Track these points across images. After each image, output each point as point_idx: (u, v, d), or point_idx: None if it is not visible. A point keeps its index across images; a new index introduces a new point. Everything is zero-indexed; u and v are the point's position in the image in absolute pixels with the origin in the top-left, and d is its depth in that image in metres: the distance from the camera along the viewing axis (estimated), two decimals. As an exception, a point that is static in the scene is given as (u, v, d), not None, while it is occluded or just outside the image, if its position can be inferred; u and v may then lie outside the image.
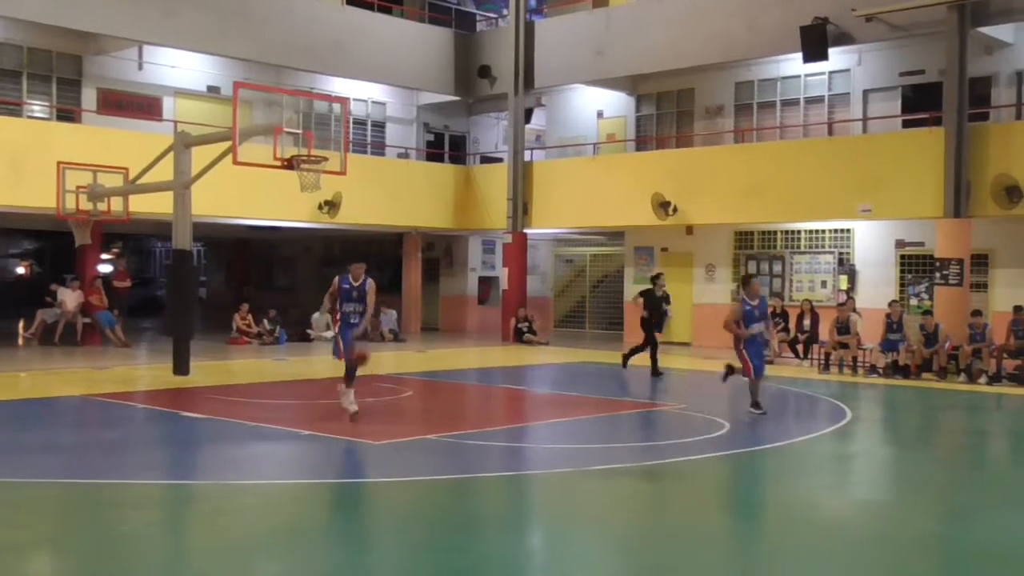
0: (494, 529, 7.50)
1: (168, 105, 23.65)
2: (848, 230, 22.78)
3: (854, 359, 19.20)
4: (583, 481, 9.03)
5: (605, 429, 12.43)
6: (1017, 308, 18.45)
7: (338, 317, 12.05)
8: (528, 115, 27.85)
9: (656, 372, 17.85)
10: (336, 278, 12.00)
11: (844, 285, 22.55)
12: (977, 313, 18.46)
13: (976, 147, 19.28)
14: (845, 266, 22.74)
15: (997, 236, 20.19)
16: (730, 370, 13.51)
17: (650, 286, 18.61)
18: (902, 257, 22.04)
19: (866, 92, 22.55)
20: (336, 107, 22.67)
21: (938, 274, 19.44)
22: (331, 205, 23.91)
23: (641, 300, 18.40)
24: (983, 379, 17.73)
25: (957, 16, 19.23)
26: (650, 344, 18.07)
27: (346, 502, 8.31)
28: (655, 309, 18.17)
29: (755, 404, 12.89)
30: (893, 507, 8.52)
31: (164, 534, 7.31)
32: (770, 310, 22.08)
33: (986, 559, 6.72)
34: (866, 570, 6.57)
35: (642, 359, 18.18)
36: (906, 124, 21.82)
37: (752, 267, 24.41)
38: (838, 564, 6.62)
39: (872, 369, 18.88)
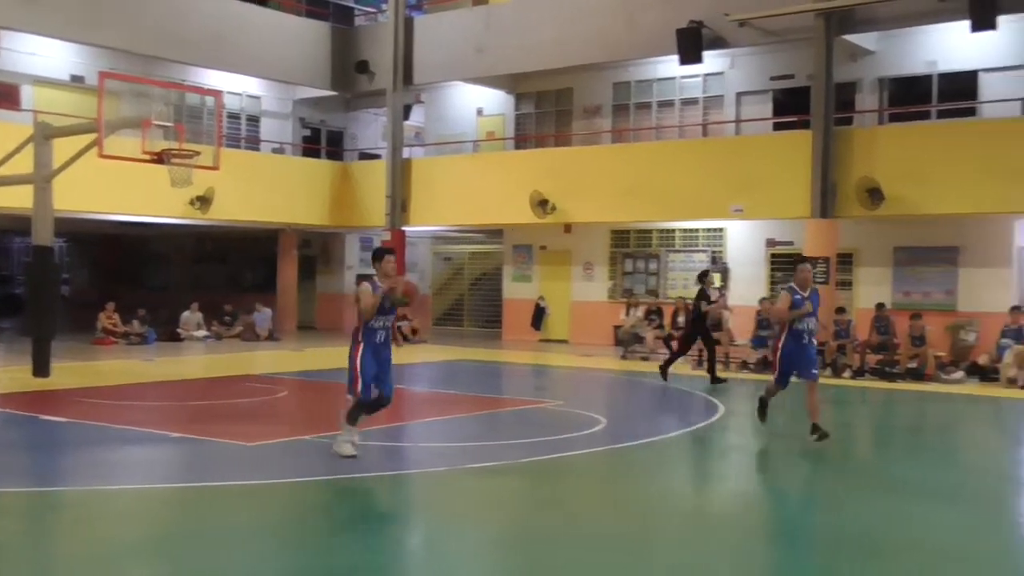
0: (372, 529, 7.37)
1: (27, 94, 22.63)
2: (721, 229, 23.31)
3: (726, 355, 19.64)
4: (461, 479, 8.97)
5: (483, 427, 12.38)
6: (879, 305, 19.20)
7: (360, 339, 9.24)
8: (407, 112, 27.64)
9: (715, 379, 16.68)
10: (365, 283, 9.27)
11: (717, 283, 23.03)
12: (841, 310, 19.10)
13: (841, 150, 19.94)
14: (718, 264, 23.25)
15: (861, 236, 20.92)
16: (763, 404, 11.72)
17: (700, 285, 17.29)
18: (772, 256, 22.65)
19: (739, 95, 23.10)
20: (209, 100, 22.08)
21: (806, 273, 19.98)
22: (203, 201, 23.26)
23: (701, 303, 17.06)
24: (848, 373, 18.36)
25: (824, 24, 19.86)
26: (709, 348, 17.26)
27: (219, 506, 8.05)
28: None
29: (762, 407, 11.67)
30: (764, 498, 8.70)
31: (27, 545, 6.93)
32: (644, 309, 22.81)
33: (854, 546, 6.90)
34: (744, 560, 6.67)
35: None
36: (777, 127, 22.43)
37: (628, 265, 24.78)
38: (716, 555, 6.71)
39: (744, 365, 19.36)
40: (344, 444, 9.35)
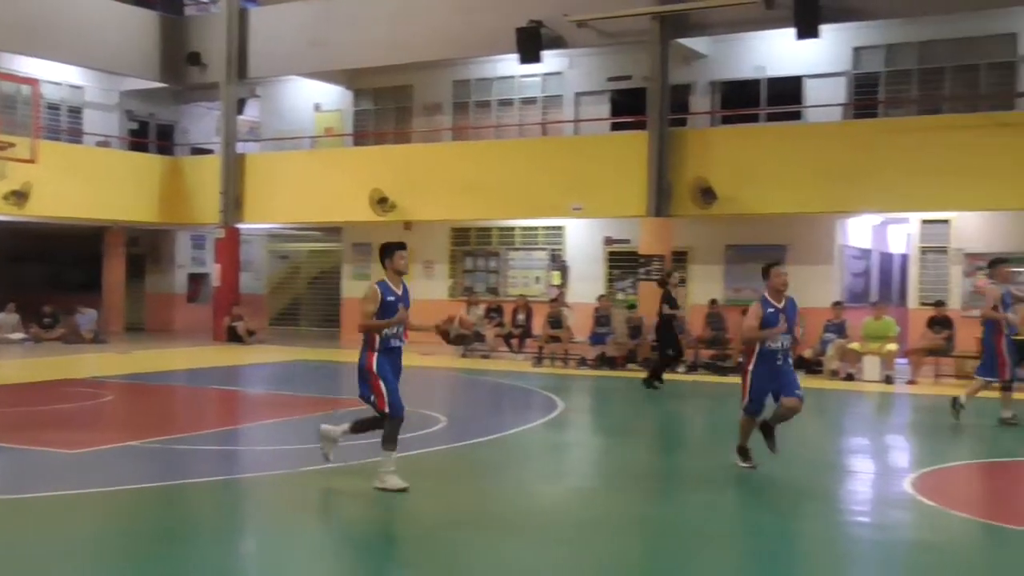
0: (204, 536, 7.01)
1: None
2: (561, 227, 23.54)
3: (566, 352, 19.84)
4: (297, 482, 8.67)
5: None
6: (712, 301, 19.75)
7: (375, 347, 8.06)
8: (241, 106, 26.82)
9: (651, 383, 16.33)
10: (376, 285, 8.13)
11: (556, 281, 23.27)
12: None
13: (676, 151, 20.42)
14: (557, 262, 23.47)
15: (694, 234, 21.47)
16: (744, 451, 9.33)
17: (664, 286, 16.82)
18: (610, 254, 23.00)
19: (578, 95, 23.36)
20: (25, 89, 20.84)
21: (642, 270, 20.43)
22: (19, 195, 21.92)
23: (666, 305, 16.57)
24: (682, 368, 18.75)
25: (659, 27, 20.28)
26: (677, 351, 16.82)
27: (37, 519, 7.50)
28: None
29: (742, 450, 9.32)
30: (604, 492, 8.76)
31: None
32: (485, 307, 22.83)
33: (692, 536, 7.00)
34: (583, 554, 6.67)
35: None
36: (614, 127, 22.79)
37: (469, 263, 24.74)
38: (557, 550, 6.68)
39: (582, 361, 19.59)
40: (389, 476, 7.98)
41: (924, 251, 20.23)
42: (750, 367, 8.95)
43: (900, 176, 18.46)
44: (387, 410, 7.96)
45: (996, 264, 12.81)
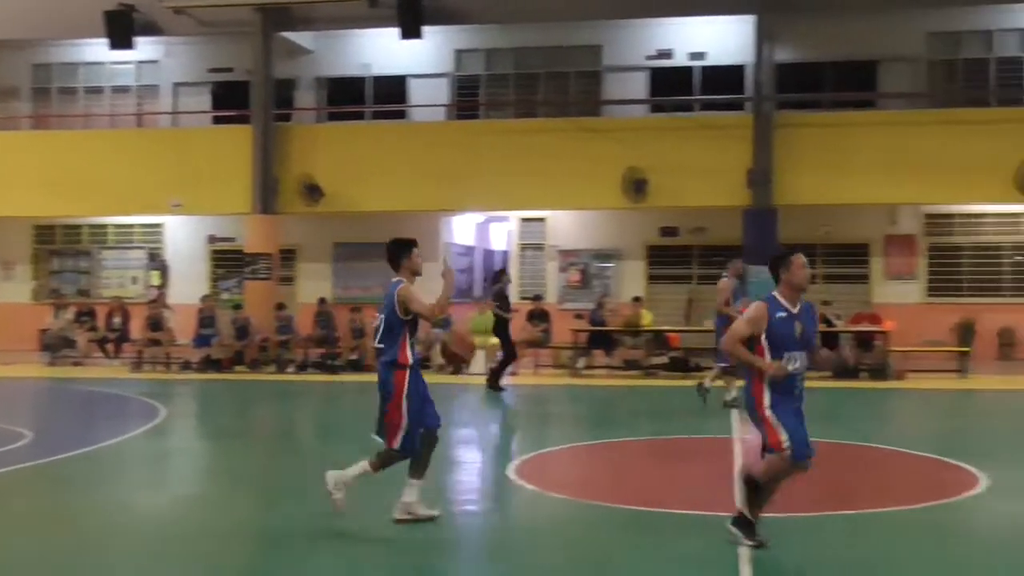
0: None
1: None
2: (160, 225, 22.25)
3: (167, 356, 18.78)
4: None
5: None
6: (321, 300, 19.50)
7: (407, 356, 6.87)
8: None
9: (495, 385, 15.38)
10: (410, 287, 6.95)
11: (156, 281, 21.99)
12: (282, 306, 19.14)
13: (282, 147, 19.98)
14: (157, 261, 22.19)
15: (302, 232, 21.13)
16: (752, 500, 6.29)
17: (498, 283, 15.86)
18: (215, 252, 22.11)
19: (176, 85, 22.20)
20: None
21: (248, 269, 19.78)
22: None
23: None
24: (291, 368, 18.42)
25: (262, 19, 19.72)
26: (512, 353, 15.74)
27: None
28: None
29: (751, 523, 6.30)
30: (213, 500, 8.27)
31: None
32: (75, 310, 20.97)
33: (303, 541, 6.72)
34: (191, 564, 6.29)
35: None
36: (217, 120, 21.93)
37: (56, 263, 22.73)
38: (165, 562, 6.24)
39: (186, 365, 18.61)
40: (416, 504, 6.90)
41: (523, 248, 21.31)
42: (765, 410, 6.13)
43: (499, 176, 19.27)
44: (396, 445, 6.85)
45: (732, 262, 13.61)
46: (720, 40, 20.09)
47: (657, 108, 20.67)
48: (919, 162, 18.06)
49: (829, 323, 17.89)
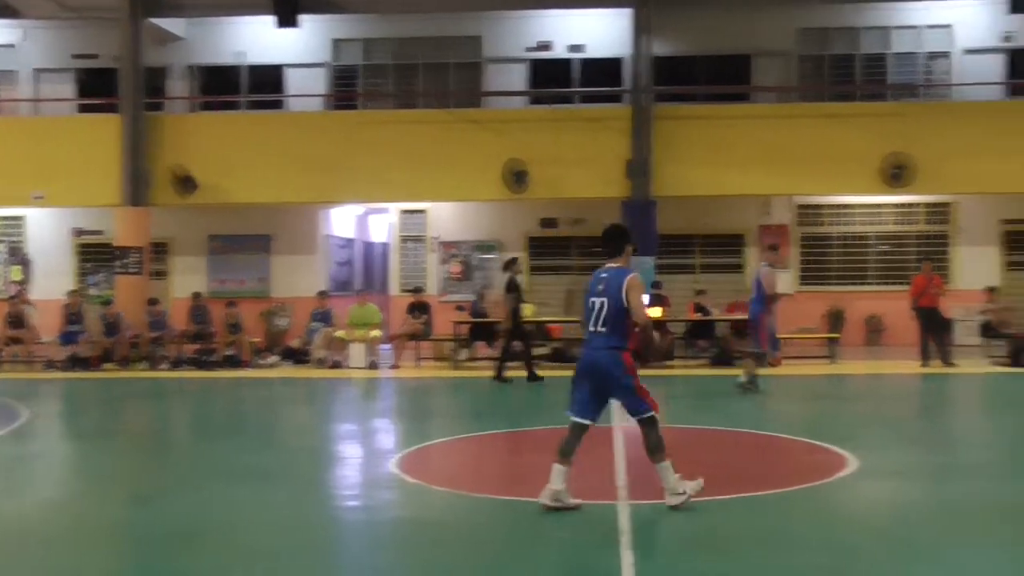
0: None
1: None
2: (20, 217, 21.31)
3: (29, 354, 18.00)
4: None
5: None
6: (196, 294, 18.98)
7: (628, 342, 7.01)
8: None
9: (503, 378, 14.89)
10: (634, 275, 6.95)
11: (17, 276, 21.05)
12: (154, 301, 18.55)
13: (153, 137, 19.34)
14: (17, 256, 21.24)
15: (175, 224, 20.50)
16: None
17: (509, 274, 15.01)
18: (81, 246, 21.30)
19: (37, 71, 21.30)
20: None
21: (118, 263, 19.09)
22: None
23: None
24: (165, 365, 17.86)
25: (130, 4, 19.04)
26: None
27: None
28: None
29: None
30: (79, 502, 7.91)
31: None
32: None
33: (172, 539, 6.48)
34: (55, 568, 6.01)
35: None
36: (82, 109, 21.12)
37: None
38: (27, 569, 5.92)
39: (51, 364, 17.85)
40: (681, 483, 6.89)
41: (404, 240, 21.11)
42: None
43: (379, 167, 19.03)
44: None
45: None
46: (599, 33, 20.27)
47: (537, 100, 20.73)
48: (792, 154, 18.55)
49: (705, 311, 18.26)
